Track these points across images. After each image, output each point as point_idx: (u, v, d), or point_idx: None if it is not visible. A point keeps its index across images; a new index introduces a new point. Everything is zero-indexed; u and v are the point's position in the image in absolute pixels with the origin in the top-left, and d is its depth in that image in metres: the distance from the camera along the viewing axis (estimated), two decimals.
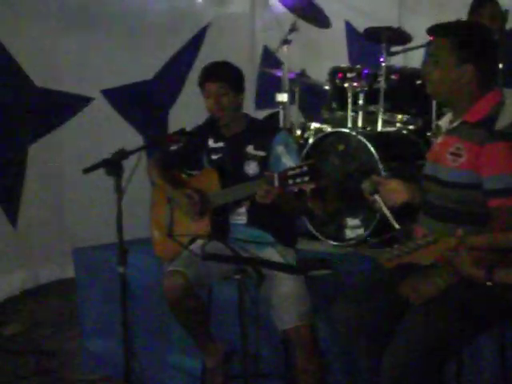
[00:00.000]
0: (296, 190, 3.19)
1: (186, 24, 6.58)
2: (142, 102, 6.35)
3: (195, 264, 3.40)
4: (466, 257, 2.52)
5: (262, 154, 3.61)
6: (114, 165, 3.17)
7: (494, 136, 2.79)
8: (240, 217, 3.64)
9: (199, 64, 6.10)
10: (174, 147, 3.83)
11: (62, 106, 5.91)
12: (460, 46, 2.86)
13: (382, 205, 2.95)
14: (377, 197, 2.97)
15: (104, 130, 6.09)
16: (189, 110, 6.21)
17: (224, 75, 3.66)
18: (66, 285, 5.67)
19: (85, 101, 6.02)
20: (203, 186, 3.67)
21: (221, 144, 3.74)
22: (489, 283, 2.53)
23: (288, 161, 3.51)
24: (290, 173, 3.14)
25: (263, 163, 3.60)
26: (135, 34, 6.21)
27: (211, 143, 3.76)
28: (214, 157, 3.75)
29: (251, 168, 3.62)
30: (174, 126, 6.30)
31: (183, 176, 3.87)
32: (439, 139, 3.02)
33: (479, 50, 2.86)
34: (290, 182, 3.13)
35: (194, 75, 6.08)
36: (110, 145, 5.68)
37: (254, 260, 3.03)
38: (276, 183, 3.17)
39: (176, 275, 3.45)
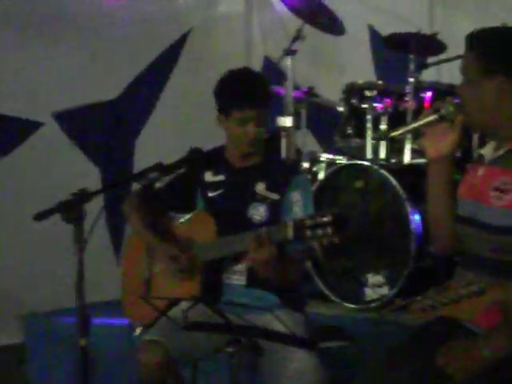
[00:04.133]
0: (315, 243, 3.17)
1: (160, 31, 6.57)
2: (103, 128, 6.36)
3: (177, 333, 3.32)
4: None
5: (274, 196, 3.57)
6: (73, 209, 3.11)
7: None
8: (237, 276, 3.58)
9: (175, 81, 6.42)
10: (158, 184, 3.72)
11: (6, 133, 5.92)
12: (486, 57, 2.88)
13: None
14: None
15: (55, 161, 6.10)
16: (160, 138, 6.35)
17: (266, 97, 3.63)
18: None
19: (33, 126, 6.01)
20: (195, 235, 3.61)
21: (221, 177, 3.69)
22: None
23: (300, 211, 3.47)
24: (309, 222, 3.08)
25: (274, 208, 3.55)
26: (96, 46, 6.21)
27: (208, 176, 3.72)
28: (211, 194, 3.69)
29: (258, 213, 3.57)
30: (141, 157, 6.31)
31: (170, 220, 3.80)
32: (480, 171, 3.00)
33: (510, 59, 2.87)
34: (308, 233, 3.08)
35: (167, 95, 6.23)
36: (62, 180, 5.78)
37: (252, 329, 2.98)
38: (290, 234, 3.12)
39: (153, 347, 3.42)
